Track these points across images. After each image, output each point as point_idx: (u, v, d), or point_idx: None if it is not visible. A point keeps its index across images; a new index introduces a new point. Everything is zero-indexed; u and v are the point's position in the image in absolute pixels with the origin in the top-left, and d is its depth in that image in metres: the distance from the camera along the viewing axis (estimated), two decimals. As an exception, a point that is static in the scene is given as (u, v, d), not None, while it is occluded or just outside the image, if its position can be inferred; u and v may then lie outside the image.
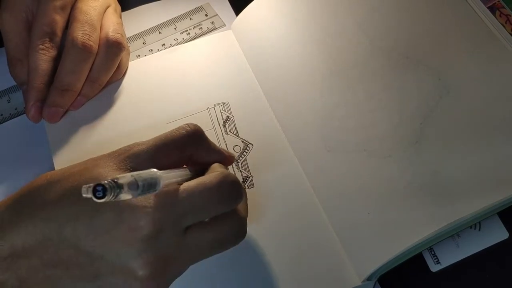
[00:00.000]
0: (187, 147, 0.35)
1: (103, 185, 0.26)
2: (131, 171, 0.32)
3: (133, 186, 0.27)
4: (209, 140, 0.36)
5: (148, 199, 0.31)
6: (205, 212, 0.32)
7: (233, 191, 0.33)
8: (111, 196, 0.26)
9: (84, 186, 0.27)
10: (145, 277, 0.31)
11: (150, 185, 0.29)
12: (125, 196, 0.27)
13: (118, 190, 0.27)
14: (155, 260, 0.31)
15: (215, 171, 0.34)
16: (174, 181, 0.32)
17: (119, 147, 0.36)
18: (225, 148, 0.45)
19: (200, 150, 0.36)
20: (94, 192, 0.26)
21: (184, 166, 0.35)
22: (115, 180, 0.27)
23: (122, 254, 0.30)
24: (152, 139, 0.34)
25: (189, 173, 0.34)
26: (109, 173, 0.32)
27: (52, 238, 0.31)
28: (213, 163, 0.36)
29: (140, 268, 0.31)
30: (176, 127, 0.35)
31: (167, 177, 0.31)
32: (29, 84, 0.45)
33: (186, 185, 0.32)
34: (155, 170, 0.30)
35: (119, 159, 0.33)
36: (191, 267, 0.34)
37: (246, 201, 0.36)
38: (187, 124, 0.35)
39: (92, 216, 0.30)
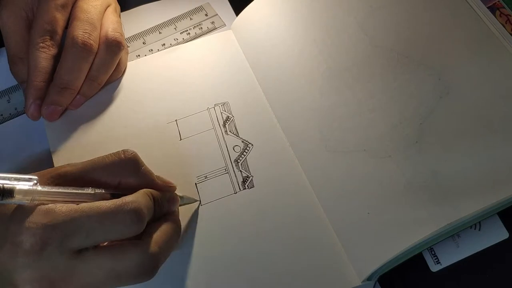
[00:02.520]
0: (117, 174, 0.35)
1: None
2: None
3: None
4: (144, 169, 0.36)
5: (38, 215, 0.31)
6: (95, 236, 0.32)
7: (127, 220, 0.32)
8: None
9: None
10: None
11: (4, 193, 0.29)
12: None
13: None
14: (40, 278, 0.31)
15: (127, 197, 0.33)
16: (67, 199, 0.32)
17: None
18: (225, 148, 0.45)
19: (132, 177, 0.36)
20: None
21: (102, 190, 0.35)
22: None
23: (8, 267, 0.30)
24: (83, 162, 0.35)
25: (92, 194, 0.34)
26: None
27: None
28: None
29: (23, 284, 0.30)
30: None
31: (47, 192, 0.31)
32: (29, 82, 0.45)
33: (82, 205, 0.32)
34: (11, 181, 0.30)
35: (45, 177, 0.33)
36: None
37: (167, 238, 0.35)
38: (124, 151, 0.36)
39: None
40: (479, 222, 0.41)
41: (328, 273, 0.39)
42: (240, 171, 0.44)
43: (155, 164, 0.40)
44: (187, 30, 0.53)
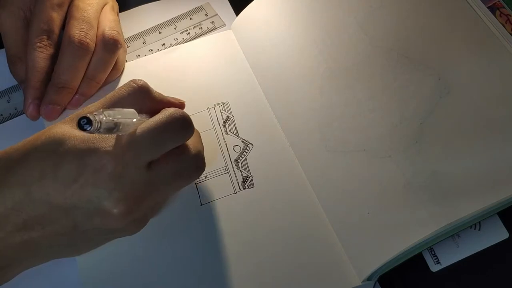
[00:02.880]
0: (134, 103, 0.37)
1: (87, 118, 0.29)
2: None
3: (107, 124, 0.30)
4: (155, 93, 0.38)
5: (106, 141, 0.33)
6: (160, 147, 0.34)
7: (181, 124, 0.35)
8: (96, 126, 0.29)
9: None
10: (121, 213, 0.33)
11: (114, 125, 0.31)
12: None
13: (99, 124, 0.29)
14: (126, 197, 0.33)
15: (168, 109, 0.36)
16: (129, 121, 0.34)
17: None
18: (225, 148, 0.45)
19: (148, 103, 0.38)
20: (80, 125, 0.29)
21: None
22: (95, 114, 0.29)
23: (94, 197, 0.32)
24: (100, 101, 0.36)
25: (142, 119, 0.36)
26: (65, 127, 0.34)
27: (22, 202, 0.32)
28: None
29: (114, 206, 0.33)
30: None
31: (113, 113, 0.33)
32: (27, 82, 0.45)
33: (142, 125, 0.34)
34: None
35: (71, 120, 0.35)
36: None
37: (199, 138, 0.39)
38: (133, 81, 0.37)
39: (56, 169, 0.32)
40: (479, 222, 0.41)
41: (328, 273, 0.39)
42: (240, 171, 0.44)
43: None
44: (187, 30, 0.53)
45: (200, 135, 0.39)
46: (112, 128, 0.31)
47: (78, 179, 0.32)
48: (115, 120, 0.31)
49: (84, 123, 0.29)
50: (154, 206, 0.38)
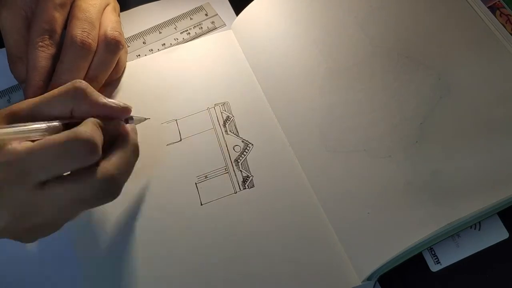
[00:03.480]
0: (68, 103, 0.36)
1: None
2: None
3: None
4: (95, 95, 0.37)
5: None
6: (53, 169, 0.33)
7: (81, 151, 0.33)
8: None
9: None
10: None
11: None
12: None
13: None
14: (9, 215, 0.32)
15: (78, 128, 0.34)
16: (23, 136, 0.33)
17: None
18: (225, 148, 0.45)
19: (84, 106, 0.37)
20: None
21: (56, 122, 0.36)
22: None
23: None
24: (35, 98, 0.36)
25: (45, 128, 0.35)
26: None
27: None
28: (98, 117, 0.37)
29: None
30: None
31: (1, 133, 0.32)
32: (28, 82, 0.45)
33: (35, 142, 0.33)
34: None
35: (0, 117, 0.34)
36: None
37: (124, 159, 0.36)
38: (72, 82, 0.37)
39: None
40: (479, 222, 0.41)
41: (328, 273, 0.39)
42: (240, 171, 0.44)
43: (155, 163, 0.40)
44: (187, 30, 0.53)
45: (129, 155, 0.37)
46: None
47: None
48: None
49: None
50: (45, 224, 0.35)
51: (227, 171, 0.44)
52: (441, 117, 0.42)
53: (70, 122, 0.36)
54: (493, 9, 0.47)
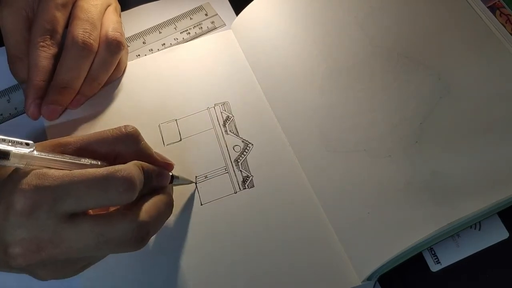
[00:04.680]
0: (116, 147, 0.36)
1: None
2: None
3: None
4: (143, 144, 0.37)
5: (31, 178, 0.32)
6: (85, 202, 0.32)
7: (119, 187, 0.32)
8: None
9: None
10: (15, 254, 0.32)
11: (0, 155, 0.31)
12: None
13: None
14: (29, 239, 0.31)
15: (120, 165, 0.34)
16: (63, 167, 0.33)
17: None
18: (225, 148, 0.45)
19: (130, 152, 0.37)
20: None
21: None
22: None
23: (0, 229, 0.32)
24: (84, 135, 0.36)
25: (88, 164, 0.35)
26: None
27: None
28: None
29: (12, 244, 0.32)
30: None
31: (42, 158, 0.33)
32: (29, 81, 0.45)
33: (75, 171, 0.33)
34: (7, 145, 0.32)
35: (45, 146, 0.34)
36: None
37: (157, 210, 0.35)
38: (125, 126, 0.37)
39: None
40: (479, 222, 0.41)
41: (328, 273, 0.39)
42: (240, 171, 0.44)
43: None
44: (187, 30, 0.53)
45: (164, 208, 0.36)
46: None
47: None
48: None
49: None
50: (70, 261, 0.34)
51: (227, 171, 0.44)
52: (441, 117, 0.42)
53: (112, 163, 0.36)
54: (493, 9, 0.47)
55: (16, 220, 0.31)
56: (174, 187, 0.40)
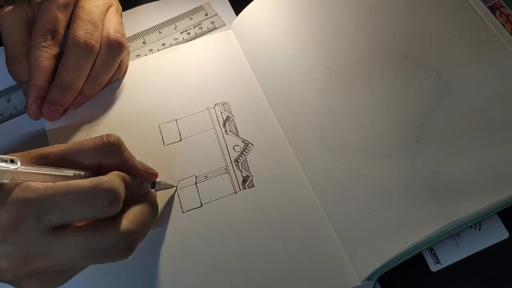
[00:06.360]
0: (99, 157, 0.36)
1: None
2: None
3: None
4: (127, 153, 0.37)
5: (15, 192, 0.31)
6: (70, 214, 0.32)
7: (104, 199, 0.32)
8: None
9: None
10: (2, 268, 0.32)
11: None
12: None
13: None
14: (15, 253, 0.31)
15: (102, 176, 0.34)
16: (47, 179, 0.33)
17: None
18: (225, 148, 0.45)
19: (113, 161, 0.36)
20: None
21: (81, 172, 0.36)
22: None
23: None
24: (66, 144, 0.36)
25: (71, 175, 0.35)
26: None
27: None
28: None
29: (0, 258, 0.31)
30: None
31: (26, 172, 0.32)
32: (30, 81, 0.45)
33: (58, 183, 0.32)
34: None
35: (28, 157, 0.34)
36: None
37: (142, 218, 0.35)
38: (107, 135, 0.37)
39: None
40: (479, 222, 0.41)
41: (328, 273, 0.39)
42: (240, 170, 0.44)
43: (155, 163, 0.40)
44: (187, 30, 0.53)
45: (148, 216, 0.36)
46: None
47: None
48: None
49: None
50: (50, 272, 0.34)
51: (227, 171, 0.44)
52: (441, 117, 0.42)
53: (96, 172, 0.36)
54: (493, 9, 0.47)
55: (1, 234, 0.31)
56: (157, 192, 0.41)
